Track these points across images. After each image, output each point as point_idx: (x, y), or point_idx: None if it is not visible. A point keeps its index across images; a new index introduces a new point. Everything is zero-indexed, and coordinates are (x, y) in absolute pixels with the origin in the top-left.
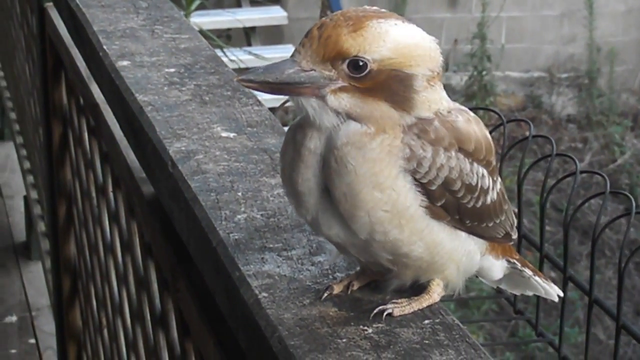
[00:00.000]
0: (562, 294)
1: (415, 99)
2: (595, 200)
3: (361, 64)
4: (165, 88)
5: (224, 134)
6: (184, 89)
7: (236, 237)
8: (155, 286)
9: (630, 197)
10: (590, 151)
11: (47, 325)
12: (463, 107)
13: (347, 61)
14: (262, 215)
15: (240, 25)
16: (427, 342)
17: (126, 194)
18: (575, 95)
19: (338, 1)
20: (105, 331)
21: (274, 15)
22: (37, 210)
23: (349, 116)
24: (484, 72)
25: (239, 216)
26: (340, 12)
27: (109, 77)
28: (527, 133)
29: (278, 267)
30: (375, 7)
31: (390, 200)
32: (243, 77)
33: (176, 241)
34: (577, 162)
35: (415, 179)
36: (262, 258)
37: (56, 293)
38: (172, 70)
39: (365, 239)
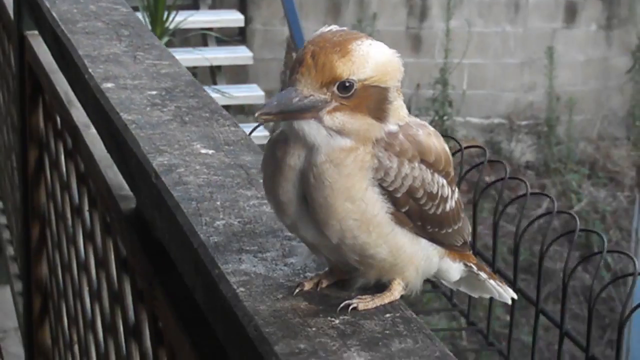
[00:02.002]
0: (515, 297)
1: (390, 109)
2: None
3: (348, 84)
4: (148, 108)
5: (203, 151)
6: (165, 109)
7: (215, 240)
8: (129, 299)
9: (600, 234)
10: (548, 198)
11: (14, 346)
12: (423, 122)
13: (337, 83)
14: (239, 222)
15: (207, 64)
16: (388, 332)
17: (102, 212)
18: (534, 142)
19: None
20: (76, 347)
21: (240, 55)
22: (5, 235)
23: (340, 132)
24: (445, 117)
25: (217, 222)
26: (321, 38)
27: (94, 98)
28: (487, 178)
29: (254, 266)
30: (344, 28)
31: (360, 210)
32: (262, 112)
33: (153, 253)
34: (527, 184)
35: (382, 187)
36: (240, 258)
37: (26, 314)
38: (154, 92)
39: (336, 242)
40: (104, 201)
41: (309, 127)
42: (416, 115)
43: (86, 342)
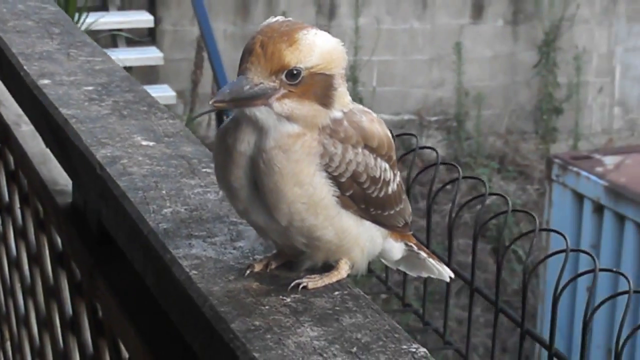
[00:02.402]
0: (452, 275)
1: (335, 95)
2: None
3: (295, 72)
4: (86, 103)
5: (144, 143)
6: (103, 104)
7: (165, 227)
8: (65, 293)
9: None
10: (459, 192)
11: None
12: (366, 109)
13: (285, 72)
14: (185, 209)
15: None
16: (338, 308)
17: (35, 209)
18: (444, 138)
19: (214, 44)
20: (8, 344)
21: (150, 55)
22: None
23: (289, 118)
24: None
25: (165, 210)
26: (269, 28)
27: (31, 94)
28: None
29: (204, 250)
30: (289, 19)
31: (307, 194)
32: (215, 100)
33: (91, 245)
34: (459, 169)
35: (328, 173)
36: (190, 244)
37: None
38: (91, 88)
39: (285, 225)
40: (39, 197)
41: (260, 113)
42: None
43: (19, 339)
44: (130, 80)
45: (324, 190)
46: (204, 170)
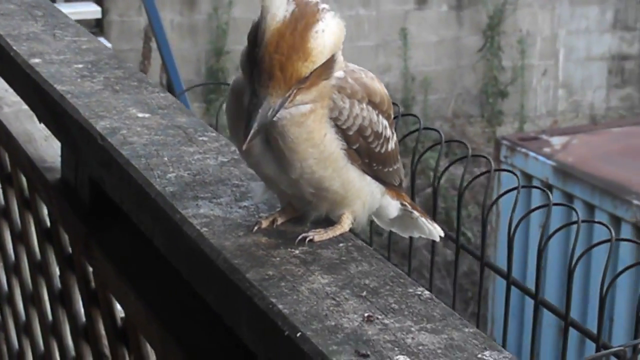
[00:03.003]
0: (442, 234)
1: (337, 65)
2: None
3: (308, 76)
4: (79, 80)
5: (140, 115)
6: (95, 80)
7: (171, 190)
8: (53, 267)
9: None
10: (407, 176)
11: None
12: (361, 67)
13: (300, 80)
14: (188, 174)
15: None
16: (344, 258)
17: (18, 188)
18: (392, 122)
19: (163, 33)
20: None
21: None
22: None
23: (300, 104)
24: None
25: (169, 175)
26: (280, 37)
27: (24, 73)
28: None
29: (211, 210)
30: (292, 8)
31: (319, 150)
32: (249, 141)
33: (85, 216)
34: (442, 135)
35: (337, 126)
36: (197, 204)
37: None
38: (81, 66)
39: (295, 178)
40: (27, 175)
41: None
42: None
43: (3, 316)
44: (118, 58)
45: (333, 145)
46: (201, 138)
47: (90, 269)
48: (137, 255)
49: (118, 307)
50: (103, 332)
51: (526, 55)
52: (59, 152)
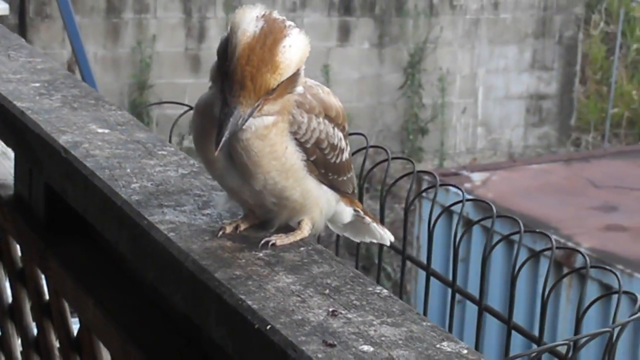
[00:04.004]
0: (393, 239)
1: (300, 79)
2: None
3: (276, 87)
4: (37, 97)
5: (99, 130)
6: (53, 98)
7: (136, 198)
8: (2, 282)
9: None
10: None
11: None
12: (317, 83)
13: (268, 91)
14: (151, 184)
15: None
16: (306, 260)
17: None
18: None
19: (88, 65)
20: None
21: None
22: None
23: (265, 115)
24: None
25: (133, 185)
26: (251, 51)
27: None
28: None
29: (176, 217)
30: (261, 22)
31: (281, 163)
32: (220, 148)
33: (40, 231)
34: (388, 153)
35: (296, 140)
36: (162, 211)
37: None
38: (38, 84)
39: (258, 189)
40: None
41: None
42: (181, 139)
43: None
44: (73, 77)
45: (294, 157)
46: (160, 152)
47: (44, 282)
48: (94, 265)
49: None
50: (55, 343)
51: (446, 93)
52: (9, 169)
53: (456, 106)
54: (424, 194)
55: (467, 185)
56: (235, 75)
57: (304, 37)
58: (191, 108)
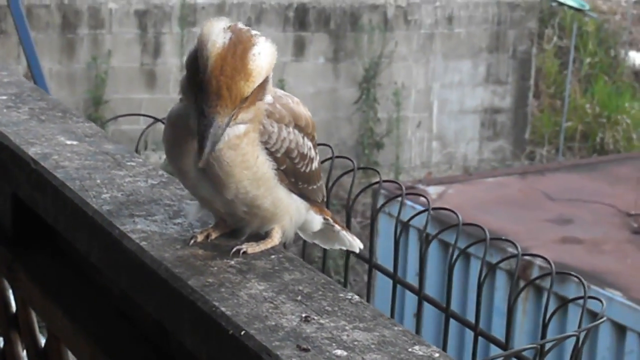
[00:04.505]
0: (362, 246)
1: (268, 87)
2: None
3: (249, 96)
4: (5, 110)
5: (68, 142)
6: (20, 110)
7: (107, 208)
8: None
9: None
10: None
11: None
12: (286, 93)
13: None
14: (122, 194)
15: None
16: (277, 268)
17: None
18: None
19: (44, 80)
20: None
21: None
22: None
23: (237, 123)
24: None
25: (104, 195)
26: (223, 61)
27: None
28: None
29: (148, 226)
30: (228, 34)
31: (253, 172)
32: (203, 161)
33: (7, 244)
34: (354, 162)
35: (267, 149)
36: (134, 221)
37: None
38: (5, 97)
39: (230, 198)
40: None
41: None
42: (153, 150)
43: None
44: (40, 90)
45: (265, 166)
46: (129, 163)
47: (10, 294)
48: (62, 276)
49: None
50: (22, 354)
51: (401, 108)
52: None
53: (411, 120)
54: (384, 208)
55: (423, 199)
56: (210, 86)
57: (271, 44)
58: (157, 120)
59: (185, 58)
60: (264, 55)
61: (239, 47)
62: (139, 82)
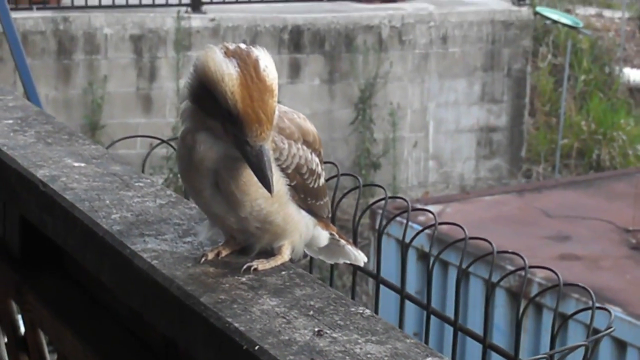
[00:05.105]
0: (366, 260)
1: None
2: None
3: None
4: (12, 134)
5: (76, 164)
6: (27, 134)
7: (117, 228)
8: None
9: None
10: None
11: None
12: (290, 109)
13: None
14: (131, 214)
15: None
16: (288, 284)
17: None
18: None
19: (41, 107)
20: None
21: None
22: None
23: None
24: (179, 175)
25: (113, 216)
26: (251, 82)
27: None
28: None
29: (158, 245)
30: (233, 59)
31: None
32: (273, 190)
33: (16, 267)
34: (360, 180)
35: (278, 165)
36: (144, 240)
37: None
38: (11, 121)
39: (244, 216)
40: None
41: None
42: (151, 174)
43: None
44: (44, 114)
45: (279, 183)
46: (137, 184)
47: (19, 317)
48: (70, 297)
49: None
50: None
51: (397, 128)
52: None
53: (407, 140)
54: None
55: (422, 218)
56: (247, 116)
57: (266, 51)
58: (163, 141)
59: (184, 86)
60: (270, 65)
61: (250, 69)
62: (135, 106)
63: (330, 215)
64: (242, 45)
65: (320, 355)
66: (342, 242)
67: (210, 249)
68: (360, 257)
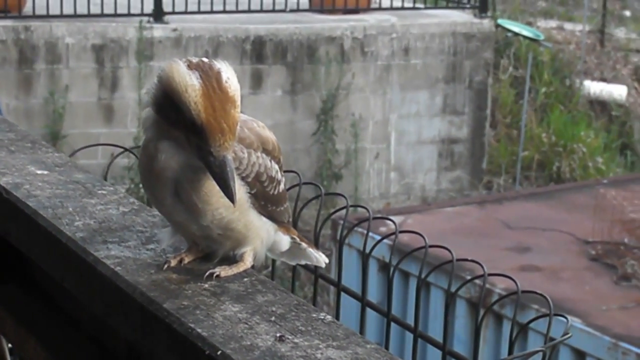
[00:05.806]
0: (327, 261)
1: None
2: None
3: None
4: None
5: (39, 172)
6: None
7: (81, 235)
8: None
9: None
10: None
11: None
12: (250, 117)
13: None
14: (94, 222)
15: None
16: (250, 290)
17: None
18: None
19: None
20: None
21: None
22: None
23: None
24: (140, 186)
25: (77, 223)
26: (216, 99)
27: None
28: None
29: (122, 252)
30: (197, 72)
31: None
32: (235, 200)
33: None
34: (321, 188)
35: (238, 175)
36: (107, 247)
37: None
38: None
39: (206, 224)
40: None
41: None
42: (112, 184)
43: None
44: (8, 122)
45: (240, 191)
46: (100, 192)
47: None
48: (33, 305)
49: None
50: None
51: (359, 139)
52: None
53: (369, 151)
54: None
55: (383, 229)
56: (210, 126)
57: (228, 64)
58: (125, 150)
59: (147, 96)
60: (232, 77)
61: (212, 81)
62: (96, 116)
63: (290, 220)
64: (205, 59)
65: None
66: (304, 245)
67: (173, 255)
68: (321, 259)
